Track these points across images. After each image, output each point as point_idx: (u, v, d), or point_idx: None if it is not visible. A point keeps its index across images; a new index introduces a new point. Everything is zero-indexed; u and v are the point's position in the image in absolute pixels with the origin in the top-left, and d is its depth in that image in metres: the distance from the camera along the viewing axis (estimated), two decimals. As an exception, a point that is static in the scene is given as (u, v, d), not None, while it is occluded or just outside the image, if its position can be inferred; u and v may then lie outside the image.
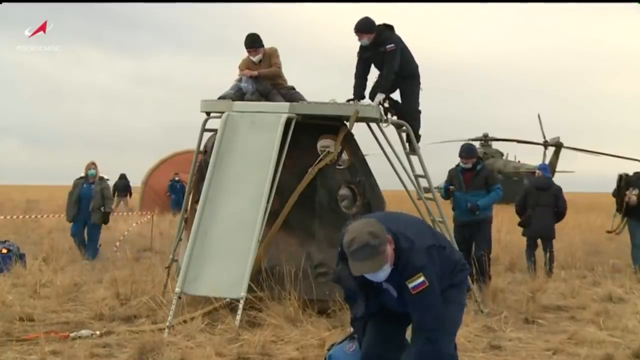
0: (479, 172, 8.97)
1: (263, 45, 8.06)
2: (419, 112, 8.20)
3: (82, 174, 12.31)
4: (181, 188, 23.14)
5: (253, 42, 8.03)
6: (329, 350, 4.19)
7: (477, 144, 40.88)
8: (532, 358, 5.95)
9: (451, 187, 9.01)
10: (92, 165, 12.31)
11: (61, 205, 18.36)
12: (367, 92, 8.03)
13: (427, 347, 3.60)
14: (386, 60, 7.78)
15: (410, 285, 3.58)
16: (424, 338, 3.61)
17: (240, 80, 8.01)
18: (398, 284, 3.65)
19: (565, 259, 11.59)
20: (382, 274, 3.57)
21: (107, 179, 12.57)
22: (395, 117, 8.07)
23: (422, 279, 3.58)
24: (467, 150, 9.06)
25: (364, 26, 7.78)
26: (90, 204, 12.07)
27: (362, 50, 7.90)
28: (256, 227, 6.83)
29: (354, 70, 8.03)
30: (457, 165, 9.13)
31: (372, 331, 3.91)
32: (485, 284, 8.47)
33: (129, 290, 7.61)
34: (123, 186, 28.04)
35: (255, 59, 8.02)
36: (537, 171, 11.49)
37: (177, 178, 24.14)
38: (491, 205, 9.10)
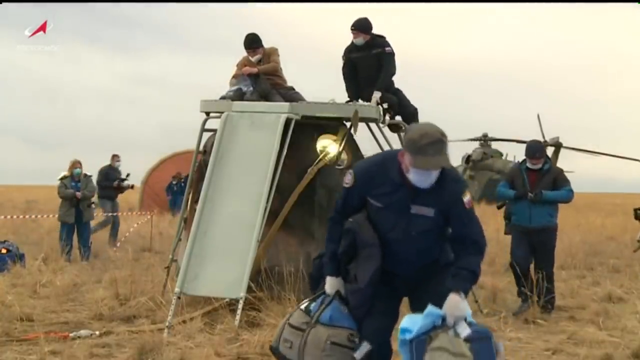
0: (546, 172, 7.79)
1: (262, 46, 8.06)
2: (416, 109, 8.23)
3: (65, 173, 12.29)
4: (179, 189, 22.94)
5: (252, 42, 8.03)
6: (309, 310, 3.87)
7: (476, 144, 40.83)
8: (532, 358, 5.95)
9: (530, 194, 7.65)
10: (78, 164, 12.30)
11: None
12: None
13: (480, 256, 3.74)
14: (385, 61, 7.83)
15: (465, 200, 3.71)
16: (477, 248, 3.73)
17: (237, 78, 7.99)
18: (441, 201, 3.68)
19: (565, 259, 11.58)
20: (434, 176, 3.61)
21: (91, 176, 12.59)
22: (397, 117, 8.09)
23: (469, 195, 3.75)
24: (540, 151, 7.88)
25: (362, 25, 7.85)
26: (81, 204, 12.09)
27: (351, 50, 7.95)
28: (256, 227, 6.83)
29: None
30: (521, 164, 7.99)
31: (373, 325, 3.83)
32: (552, 305, 7.72)
33: (129, 291, 7.60)
34: None
35: (254, 59, 8.02)
36: None
37: (181, 176, 23.67)
38: (556, 210, 7.90)
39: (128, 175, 14.58)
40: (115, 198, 14.42)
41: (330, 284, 3.88)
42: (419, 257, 3.80)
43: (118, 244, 13.07)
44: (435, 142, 3.53)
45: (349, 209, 3.84)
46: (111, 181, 14.33)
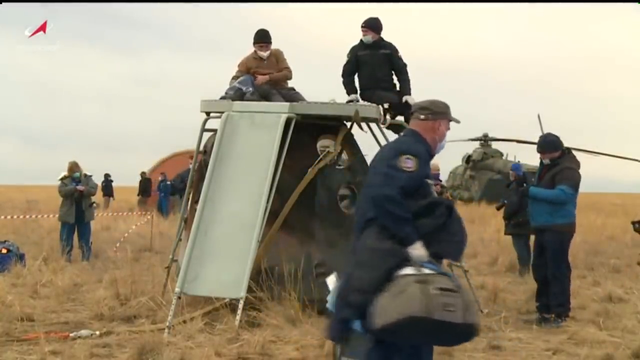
0: (551, 168, 7.34)
1: (272, 42, 8.08)
2: None
3: (65, 173, 12.25)
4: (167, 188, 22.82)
5: (263, 36, 8.05)
6: (447, 273, 3.79)
7: (477, 144, 40.79)
8: (532, 358, 5.95)
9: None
10: (76, 167, 12.26)
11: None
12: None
13: None
14: (403, 68, 7.96)
15: None
16: None
17: (238, 79, 7.99)
18: None
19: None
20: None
21: (91, 176, 12.55)
22: (398, 117, 8.09)
23: None
24: (541, 145, 7.45)
25: (373, 24, 7.97)
26: (82, 203, 12.08)
27: (358, 48, 7.97)
28: (256, 227, 6.83)
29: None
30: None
31: None
32: (561, 317, 7.15)
33: (129, 291, 7.60)
34: (109, 187, 28.00)
35: (265, 54, 8.01)
36: (511, 172, 10.82)
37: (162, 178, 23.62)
38: (559, 209, 7.21)
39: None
40: None
41: (423, 250, 3.77)
42: None
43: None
44: None
45: (409, 192, 3.87)
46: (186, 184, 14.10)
